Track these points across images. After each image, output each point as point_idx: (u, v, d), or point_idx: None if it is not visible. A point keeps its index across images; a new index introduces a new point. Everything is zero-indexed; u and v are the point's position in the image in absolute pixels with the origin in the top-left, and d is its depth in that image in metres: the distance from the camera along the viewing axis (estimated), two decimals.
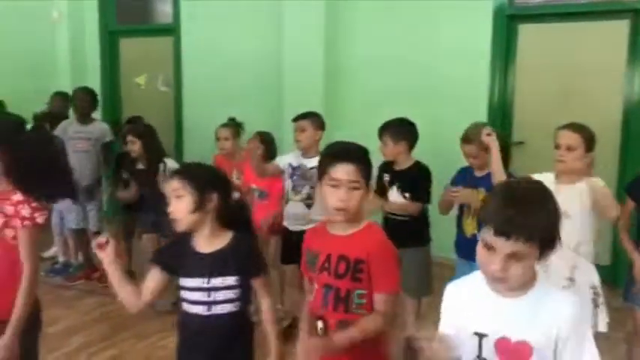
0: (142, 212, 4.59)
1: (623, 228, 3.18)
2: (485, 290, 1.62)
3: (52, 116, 5.32)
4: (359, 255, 2.02)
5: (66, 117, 5.28)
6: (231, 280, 2.12)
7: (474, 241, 3.29)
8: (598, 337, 2.31)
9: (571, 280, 2.78)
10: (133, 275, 4.53)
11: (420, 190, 3.63)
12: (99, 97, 5.42)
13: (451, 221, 3.61)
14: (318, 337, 2.05)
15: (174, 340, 2.27)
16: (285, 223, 4.01)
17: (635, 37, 4.83)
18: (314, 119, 3.90)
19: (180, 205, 2.10)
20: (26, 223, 2.25)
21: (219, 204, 2.13)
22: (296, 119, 3.95)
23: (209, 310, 2.12)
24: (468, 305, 1.66)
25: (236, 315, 2.14)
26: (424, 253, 3.69)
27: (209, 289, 2.11)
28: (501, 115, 5.31)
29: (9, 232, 2.26)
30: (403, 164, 3.66)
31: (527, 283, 1.58)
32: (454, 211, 3.58)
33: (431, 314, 3.78)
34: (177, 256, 2.18)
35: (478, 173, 3.45)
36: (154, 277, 2.19)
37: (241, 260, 2.13)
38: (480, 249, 1.56)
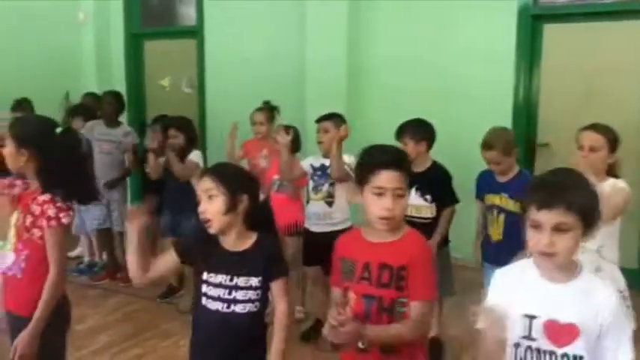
0: (161, 216, 4.55)
1: None
2: (535, 276, 1.75)
3: (85, 109, 5.42)
4: (402, 262, 1.97)
5: (96, 115, 5.36)
6: (254, 280, 2.13)
7: (499, 246, 3.32)
8: None
9: None
10: (175, 290, 4.62)
11: (446, 194, 3.62)
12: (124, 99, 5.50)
13: (467, 223, 3.60)
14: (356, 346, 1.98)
15: None
16: (307, 225, 4.02)
17: None
18: (336, 120, 3.88)
19: (213, 205, 2.10)
20: (52, 223, 2.29)
21: (248, 205, 2.15)
22: (319, 120, 3.94)
23: (228, 307, 2.13)
24: (518, 289, 1.77)
25: (254, 315, 2.15)
26: (445, 255, 3.67)
27: (231, 287, 2.13)
28: (526, 116, 5.26)
29: (36, 232, 2.31)
30: (421, 165, 3.61)
31: (573, 270, 1.72)
32: (472, 214, 3.56)
33: (452, 314, 3.78)
34: (203, 250, 2.19)
35: (501, 178, 3.41)
36: (167, 259, 2.23)
37: (265, 262, 2.14)
38: (528, 232, 1.69)
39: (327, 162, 3.83)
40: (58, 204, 2.31)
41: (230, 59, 6.55)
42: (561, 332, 1.69)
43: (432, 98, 5.29)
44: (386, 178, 1.94)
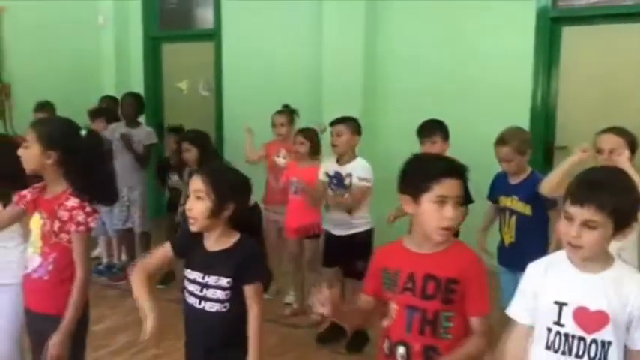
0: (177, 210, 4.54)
1: None
2: (567, 265, 1.82)
3: (107, 111, 5.48)
4: (451, 274, 1.91)
5: (117, 117, 5.43)
6: (223, 281, 2.17)
7: (511, 250, 3.32)
8: None
9: None
10: (173, 275, 4.64)
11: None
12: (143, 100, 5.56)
13: (479, 224, 3.60)
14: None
15: None
16: (327, 227, 4.01)
17: None
18: (350, 124, 3.88)
19: (199, 206, 2.15)
20: (80, 228, 2.34)
21: (233, 213, 2.18)
22: (333, 123, 3.94)
23: (200, 303, 2.20)
24: (550, 277, 1.84)
25: (223, 316, 2.18)
26: None
27: (202, 285, 2.19)
28: (544, 119, 5.23)
29: (64, 236, 2.35)
30: None
31: (605, 262, 1.79)
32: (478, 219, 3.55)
33: None
34: (188, 246, 2.27)
35: (512, 180, 3.40)
36: (163, 253, 2.31)
37: (238, 264, 2.16)
38: (561, 222, 1.78)
39: (341, 170, 3.85)
40: (87, 209, 2.35)
41: (247, 62, 6.58)
42: (591, 319, 1.75)
43: (449, 100, 5.28)
44: (450, 186, 1.89)
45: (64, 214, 2.33)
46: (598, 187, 1.72)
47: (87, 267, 2.40)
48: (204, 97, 7.22)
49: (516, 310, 1.92)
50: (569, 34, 5.16)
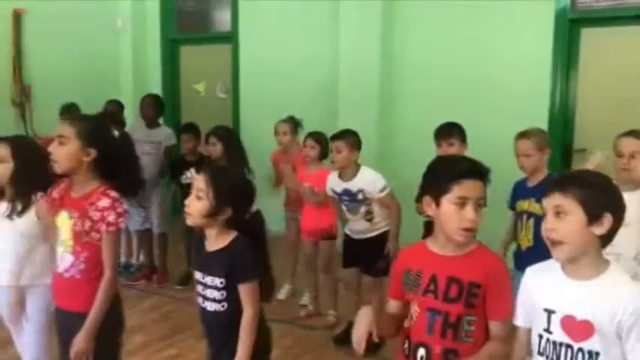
0: None
1: None
2: (559, 273, 1.80)
3: (112, 116, 5.49)
4: (474, 278, 1.89)
5: (122, 121, 5.44)
6: (217, 281, 2.21)
7: (528, 254, 3.29)
8: None
9: None
10: (190, 275, 4.66)
11: None
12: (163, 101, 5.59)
13: (491, 229, 3.55)
14: None
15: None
16: (348, 232, 4.01)
17: None
18: (349, 139, 3.79)
19: (197, 204, 2.20)
20: (111, 228, 2.36)
21: (230, 217, 2.21)
22: (332, 138, 3.88)
23: (203, 303, 2.28)
24: (542, 285, 1.84)
25: (222, 315, 2.23)
26: None
27: (203, 284, 2.27)
28: (563, 121, 5.19)
29: (95, 235, 2.37)
30: None
31: (596, 268, 1.74)
32: (498, 220, 3.54)
33: None
34: (195, 249, 2.35)
35: (531, 183, 3.37)
36: None
37: (229, 264, 2.19)
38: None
39: (349, 186, 3.80)
40: (119, 210, 2.36)
41: (264, 65, 6.61)
42: (577, 328, 1.73)
43: (467, 102, 5.26)
44: (470, 187, 1.87)
45: (96, 214, 2.34)
46: (563, 178, 1.80)
47: (115, 267, 2.41)
48: (221, 99, 7.27)
49: (517, 313, 1.92)
50: (588, 36, 5.12)
